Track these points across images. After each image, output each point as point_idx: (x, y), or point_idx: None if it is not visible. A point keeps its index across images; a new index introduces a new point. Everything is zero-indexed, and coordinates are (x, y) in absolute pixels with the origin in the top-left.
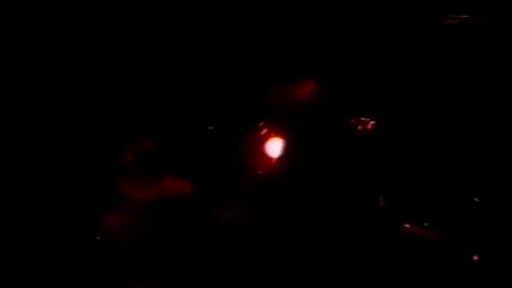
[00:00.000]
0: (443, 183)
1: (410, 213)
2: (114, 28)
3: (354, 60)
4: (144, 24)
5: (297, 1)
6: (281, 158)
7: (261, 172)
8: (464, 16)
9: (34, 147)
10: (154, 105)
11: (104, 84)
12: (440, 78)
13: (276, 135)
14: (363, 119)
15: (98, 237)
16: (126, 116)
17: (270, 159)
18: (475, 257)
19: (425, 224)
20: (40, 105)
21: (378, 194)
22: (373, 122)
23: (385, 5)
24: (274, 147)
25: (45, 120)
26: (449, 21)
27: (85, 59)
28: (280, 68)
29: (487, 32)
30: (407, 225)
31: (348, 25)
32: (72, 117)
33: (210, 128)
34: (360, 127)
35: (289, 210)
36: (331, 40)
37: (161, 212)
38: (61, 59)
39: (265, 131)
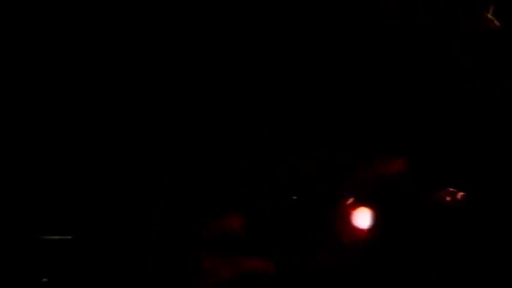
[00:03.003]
0: None
1: None
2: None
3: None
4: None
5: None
6: (368, 230)
7: (347, 242)
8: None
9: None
10: (237, 178)
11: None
12: None
13: (364, 207)
14: (451, 189)
15: None
16: (209, 190)
17: (357, 230)
18: None
19: None
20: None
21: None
22: (461, 193)
23: None
24: (362, 218)
25: None
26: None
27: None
28: (370, 143)
29: None
30: None
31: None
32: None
33: (294, 198)
34: (448, 198)
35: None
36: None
37: None
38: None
39: (352, 202)
